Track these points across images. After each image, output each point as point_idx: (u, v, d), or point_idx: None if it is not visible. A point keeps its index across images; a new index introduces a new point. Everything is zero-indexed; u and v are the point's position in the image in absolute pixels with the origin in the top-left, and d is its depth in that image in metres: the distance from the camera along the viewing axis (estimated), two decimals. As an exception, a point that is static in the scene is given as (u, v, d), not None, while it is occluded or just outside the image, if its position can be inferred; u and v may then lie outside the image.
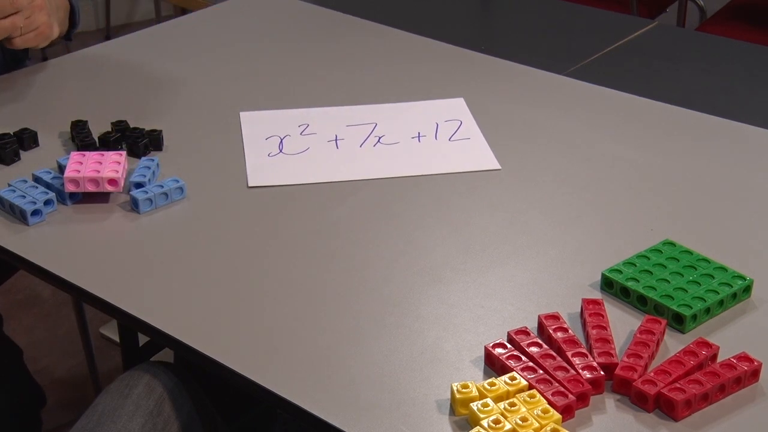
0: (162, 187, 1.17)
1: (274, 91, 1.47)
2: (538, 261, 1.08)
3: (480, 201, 1.19)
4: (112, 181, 1.15)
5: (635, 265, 1.03)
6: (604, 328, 0.94)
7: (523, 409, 0.85)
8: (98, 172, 1.15)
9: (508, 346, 0.93)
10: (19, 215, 1.14)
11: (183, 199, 1.19)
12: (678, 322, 0.97)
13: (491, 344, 0.93)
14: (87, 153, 1.18)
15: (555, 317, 0.96)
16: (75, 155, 1.18)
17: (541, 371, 0.90)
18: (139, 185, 1.18)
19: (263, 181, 1.23)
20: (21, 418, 1.53)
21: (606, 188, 1.22)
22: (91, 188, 1.15)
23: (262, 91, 1.47)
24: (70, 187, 1.14)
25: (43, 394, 1.68)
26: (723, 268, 1.02)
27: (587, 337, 0.95)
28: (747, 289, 1.01)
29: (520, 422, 0.83)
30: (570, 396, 0.86)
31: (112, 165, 1.16)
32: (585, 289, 1.03)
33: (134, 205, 1.16)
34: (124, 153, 1.19)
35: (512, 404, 0.85)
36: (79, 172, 1.14)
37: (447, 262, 1.08)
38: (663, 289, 0.99)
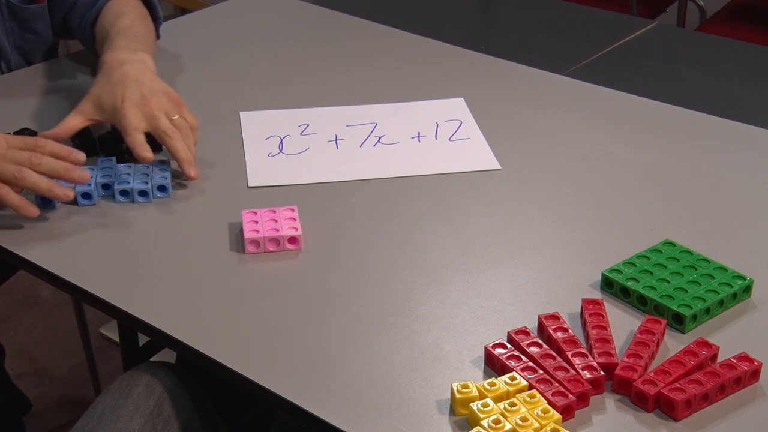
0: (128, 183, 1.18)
1: (274, 91, 1.47)
2: (538, 261, 1.08)
3: (480, 201, 1.19)
4: (293, 240, 1.10)
5: (635, 265, 1.03)
6: (604, 328, 0.94)
7: (523, 409, 0.85)
8: (277, 231, 1.10)
9: (508, 346, 0.93)
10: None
11: (182, 199, 1.19)
12: (678, 322, 0.97)
13: (491, 344, 0.93)
14: (258, 211, 1.13)
15: (555, 317, 0.96)
16: (246, 214, 1.12)
17: (541, 371, 0.90)
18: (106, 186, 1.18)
19: (263, 181, 1.23)
20: (2, 424, 1.51)
21: (606, 188, 1.22)
22: (271, 248, 1.09)
23: (262, 91, 1.47)
24: (251, 249, 1.09)
25: (26, 399, 1.66)
26: (723, 268, 1.02)
27: (587, 337, 0.95)
28: (747, 289, 1.01)
29: (520, 422, 0.83)
30: (570, 396, 0.86)
31: (288, 222, 1.11)
32: (585, 289, 1.03)
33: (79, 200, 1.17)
34: (295, 208, 1.14)
35: (512, 404, 0.85)
36: (259, 232, 1.09)
37: (447, 262, 1.08)
38: (663, 289, 0.99)
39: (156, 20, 1.51)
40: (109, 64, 1.27)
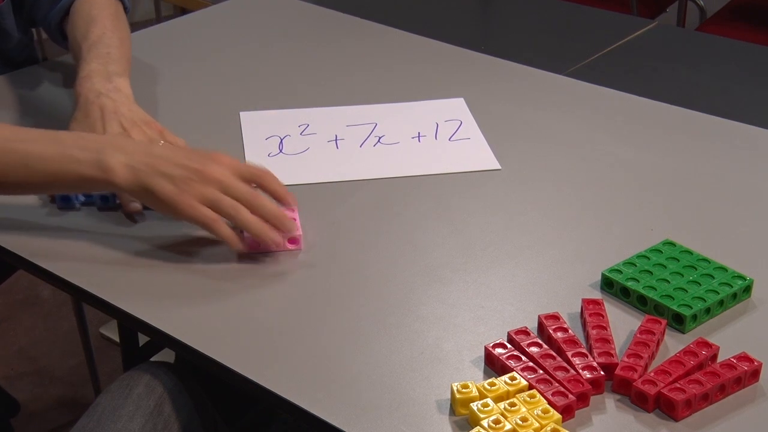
0: None
1: (274, 91, 1.47)
2: (538, 261, 1.08)
3: (480, 201, 1.19)
4: (293, 240, 1.09)
5: (635, 265, 1.03)
6: (604, 328, 0.94)
7: (523, 409, 0.85)
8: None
9: (508, 346, 0.93)
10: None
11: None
12: (678, 322, 0.97)
13: (491, 344, 0.93)
14: None
15: (555, 317, 0.96)
16: None
17: (541, 371, 0.90)
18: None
19: (263, 181, 1.23)
20: None
21: (606, 188, 1.22)
22: (271, 248, 1.09)
23: (262, 91, 1.47)
24: (251, 249, 1.08)
25: (14, 401, 1.65)
26: (723, 268, 1.02)
27: (587, 337, 0.95)
28: (747, 289, 1.01)
29: (520, 422, 0.83)
30: (570, 396, 0.86)
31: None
32: (585, 289, 1.03)
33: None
34: (295, 208, 1.13)
35: (512, 404, 0.85)
36: None
37: (447, 262, 1.08)
38: (663, 289, 0.99)
39: (125, 10, 1.47)
40: (85, 96, 1.23)
